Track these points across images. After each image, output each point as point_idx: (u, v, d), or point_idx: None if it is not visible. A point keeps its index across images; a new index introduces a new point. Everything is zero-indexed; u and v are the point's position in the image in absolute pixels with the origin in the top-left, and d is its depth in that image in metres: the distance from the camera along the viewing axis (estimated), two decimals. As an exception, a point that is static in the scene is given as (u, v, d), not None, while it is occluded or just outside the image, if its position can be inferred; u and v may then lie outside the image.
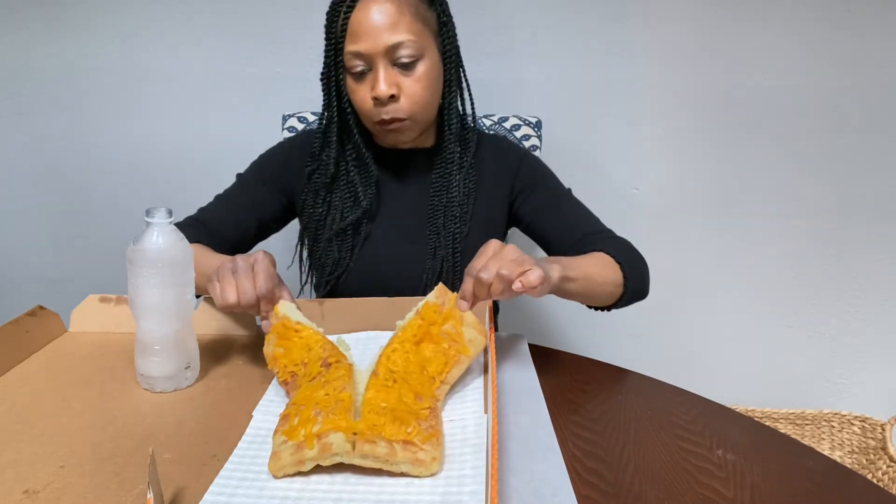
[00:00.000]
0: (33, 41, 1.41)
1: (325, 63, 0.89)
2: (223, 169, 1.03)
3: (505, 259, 0.64)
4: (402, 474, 0.51)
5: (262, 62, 1.39)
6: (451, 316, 0.63)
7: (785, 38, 1.33)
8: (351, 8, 0.83)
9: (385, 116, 0.85)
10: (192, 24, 1.38)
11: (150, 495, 0.44)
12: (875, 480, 1.28)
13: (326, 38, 0.87)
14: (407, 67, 0.84)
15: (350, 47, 0.84)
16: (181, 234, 0.66)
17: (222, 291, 0.67)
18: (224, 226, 0.93)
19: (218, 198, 0.97)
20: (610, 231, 0.93)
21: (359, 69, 0.84)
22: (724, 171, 1.41)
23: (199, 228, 0.91)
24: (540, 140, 1.17)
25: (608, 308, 0.87)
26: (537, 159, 1.04)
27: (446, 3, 0.90)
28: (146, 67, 1.41)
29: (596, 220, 0.94)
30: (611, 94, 1.37)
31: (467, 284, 0.65)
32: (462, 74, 0.93)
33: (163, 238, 0.64)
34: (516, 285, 0.62)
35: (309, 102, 1.30)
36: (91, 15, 1.38)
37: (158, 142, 1.45)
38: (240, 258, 0.70)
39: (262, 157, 1.00)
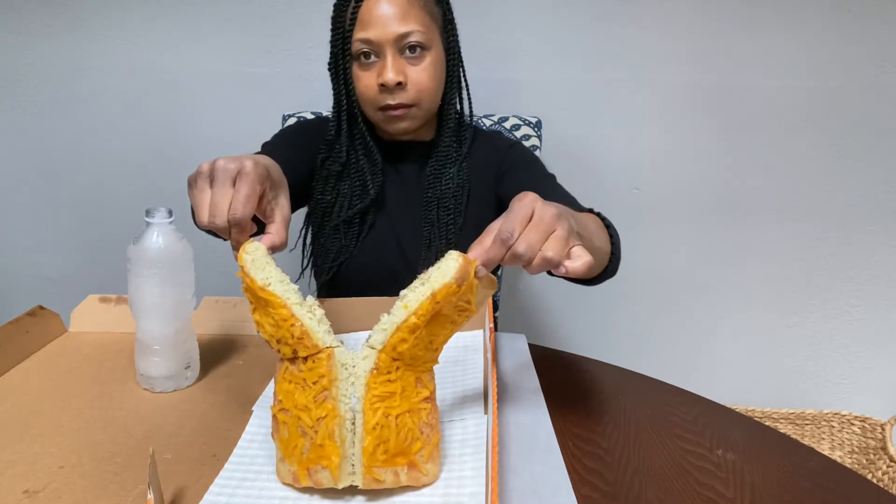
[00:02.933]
0: (33, 41, 1.41)
1: (331, 52, 0.90)
2: (223, 169, 1.02)
3: (547, 231, 0.50)
4: None
5: (262, 62, 1.39)
6: (468, 290, 0.51)
7: (785, 38, 1.33)
8: None
9: (391, 101, 0.87)
10: (192, 24, 1.38)
11: (150, 495, 0.44)
12: (875, 480, 1.28)
13: (333, 28, 0.88)
14: (415, 57, 0.86)
15: (359, 34, 0.85)
16: (181, 234, 0.66)
17: (196, 207, 0.56)
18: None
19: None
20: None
21: (365, 55, 0.86)
22: (724, 171, 1.41)
23: None
24: (540, 140, 1.17)
25: (588, 282, 0.76)
26: (526, 148, 1.05)
27: (450, 2, 0.92)
28: (146, 67, 1.41)
29: (577, 203, 0.89)
30: (611, 94, 1.37)
31: (495, 253, 0.50)
32: (462, 73, 0.95)
33: (163, 238, 0.64)
34: (561, 270, 0.51)
35: (309, 102, 1.30)
36: (91, 14, 1.38)
37: (158, 141, 1.45)
38: (223, 159, 0.57)
39: (283, 130, 1.01)
